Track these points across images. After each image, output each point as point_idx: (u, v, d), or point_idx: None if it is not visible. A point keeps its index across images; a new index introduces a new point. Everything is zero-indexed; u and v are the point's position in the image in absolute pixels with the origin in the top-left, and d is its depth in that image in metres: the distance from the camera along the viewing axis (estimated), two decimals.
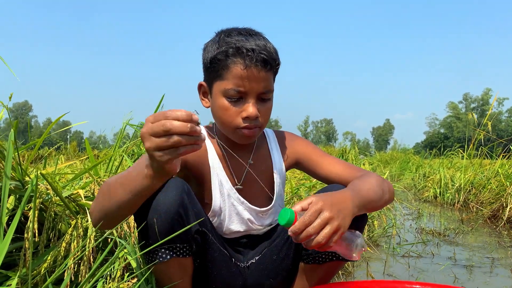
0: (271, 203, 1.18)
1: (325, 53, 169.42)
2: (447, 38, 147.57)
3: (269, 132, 1.26)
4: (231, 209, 1.15)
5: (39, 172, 0.84)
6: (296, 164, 1.24)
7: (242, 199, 1.15)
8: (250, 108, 1.01)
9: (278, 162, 1.21)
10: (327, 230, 0.83)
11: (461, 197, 4.59)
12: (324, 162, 1.17)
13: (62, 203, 1.17)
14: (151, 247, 0.92)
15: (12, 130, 0.86)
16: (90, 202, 1.23)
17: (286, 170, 1.24)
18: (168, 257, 1.00)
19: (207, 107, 1.12)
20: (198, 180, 1.14)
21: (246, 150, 1.18)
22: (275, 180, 1.20)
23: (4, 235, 0.81)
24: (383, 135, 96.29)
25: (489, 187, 4.08)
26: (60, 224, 1.14)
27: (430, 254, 2.25)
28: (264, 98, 1.05)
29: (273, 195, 1.19)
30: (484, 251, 2.38)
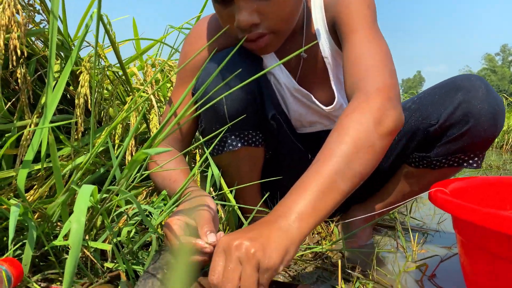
0: (334, 100, 0.93)
1: None
2: None
3: None
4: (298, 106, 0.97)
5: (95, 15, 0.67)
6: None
7: (313, 98, 0.94)
8: (237, 15, 0.72)
9: (323, 39, 0.88)
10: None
11: (510, 139, 4.39)
12: (353, 38, 0.74)
13: (113, 80, 1.01)
14: (215, 131, 0.75)
15: None
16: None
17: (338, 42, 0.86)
18: (239, 145, 0.84)
19: None
20: None
21: (295, 38, 0.89)
22: (327, 66, 0.90)
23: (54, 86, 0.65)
24: (412, 87, 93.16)
25: None
26: (109, 107, 0.99)
27: None
28: None
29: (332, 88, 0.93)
30: None
